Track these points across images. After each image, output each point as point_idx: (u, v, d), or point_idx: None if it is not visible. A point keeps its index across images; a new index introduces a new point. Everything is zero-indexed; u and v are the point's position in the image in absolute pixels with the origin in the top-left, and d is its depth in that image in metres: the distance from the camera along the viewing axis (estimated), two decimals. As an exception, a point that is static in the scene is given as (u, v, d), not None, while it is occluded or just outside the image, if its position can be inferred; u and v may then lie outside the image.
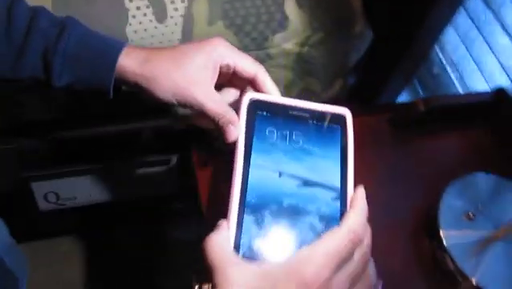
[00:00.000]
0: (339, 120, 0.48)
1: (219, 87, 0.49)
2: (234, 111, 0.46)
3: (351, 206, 0.39)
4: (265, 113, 0.47)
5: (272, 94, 0.48)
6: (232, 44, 0.65)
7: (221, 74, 0.47)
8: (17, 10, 0.45)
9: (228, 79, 0.49)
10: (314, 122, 0.48)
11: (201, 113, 0.45)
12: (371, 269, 0.40)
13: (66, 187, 0.76)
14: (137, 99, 0.71)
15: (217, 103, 0.45)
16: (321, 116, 0.48)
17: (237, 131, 0.45)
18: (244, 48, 0.68)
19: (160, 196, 0.89)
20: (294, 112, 0.47)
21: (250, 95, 0.46)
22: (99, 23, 0.60)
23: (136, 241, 1.17)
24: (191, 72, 0.44)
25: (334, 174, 0.45)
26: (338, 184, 0.45)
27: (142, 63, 0.44)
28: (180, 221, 1.08)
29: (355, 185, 0.44)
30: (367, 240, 0.39)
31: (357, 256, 0.37)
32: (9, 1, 0.45)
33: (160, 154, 0.76)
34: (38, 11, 0.45)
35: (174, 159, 0.77)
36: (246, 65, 0.46)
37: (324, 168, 0.45)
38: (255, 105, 0.46)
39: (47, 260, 1.13)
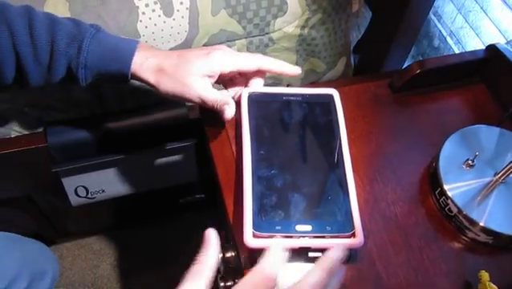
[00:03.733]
0: (328, 98, 0.55)
1: (224, 83, 0.59)
2: (228, 96, 0.55)
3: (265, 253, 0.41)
4: (262, 102, 0.55)
5: (284, 69, 0.56)
6: (236, 31, 0.71)
7: (224, 76, 0.55)
8: (37, 37, 0.52)
9: (231, 77, 0.57)
10: (307, 103, 0.55)
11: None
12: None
13: (94, 180, 0.81)
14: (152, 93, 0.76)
15: (212, 93, 0.54)
16: (311, 97, 0.56)
17: (231, 110, 0.53)
18: (248, 34, 0.73)
19: (182, 186, 0.94)
20: (288, 98, 0.55)
21: (248, 89, 0.55)
22: (112, 22, 0.65)
23: (164, 234, 1.22)
24: (188, 77, 0.53)
25: (330, 143, 0.52)
26: (335, 150, 0.51)
27: (153, 73, 0.54)
28: (204, 210, 1.12)
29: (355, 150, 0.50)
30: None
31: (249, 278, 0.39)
32: (27, 26, 0.52)
33: (179, 142, 0.81)
34: (54, 31, 0.52)
35: (192, 145, 0.81)
36: (247, 64, 0.55)
37: (320, 139, 0.52)
38: (253, 97, 0.55)
39: (82, 257, 1.19)
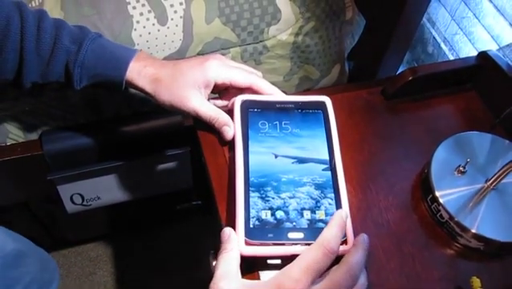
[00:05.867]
0: (321, 105, 0.56)
1: (219, 92, 0.59)
2: (227, 114, 0.55)
3: (327, 224, 0.43)
4: (255, 110, 0.55)
5: (272, 94, 0.57)
6: (230, 39, 0.72)
7: (218, 86, 0.56)
8: (44, 29, 0.54)
9: (226, 87, 0.58)
10: (299, 111, 0.55)
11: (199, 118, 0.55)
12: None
13: (89, 188, 0.81)
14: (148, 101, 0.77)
15: (208, 109, 0.54)
16: (304, 104, 0.56)
17: (232, 131, 0.54)
18: (242, 42, 0.73)
19: (178, 192, 0.94)
20: (281, 106, 0.56)
21: (241, 96, 0.55)
22: (107, 30, 0.66)
23: (161, 240, 1.22)
24: (185, 89, 0.54)
25: (322, 150, 0.52)
26: (326, 157, 0.52)
27: (150, 82, 0.55)
28: (200, 216, 1.12)
29: (347, 157, 0.51)
30: (357, 258, 0.42)
31: (338, 274, 0.41)
32: (36, 19, 0.54)
33: (174, 149, 0.81)
34: (60, 28, 0.55)
35: (187, 152, 0.82)
36: (240, 80, 0.56)
37: (313, 146, 0.53)
38: (246, 104, 0.55)
39: (78, 265, 1.19)
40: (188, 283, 1.13)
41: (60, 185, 0.79)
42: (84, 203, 0.84)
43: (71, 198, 0.82)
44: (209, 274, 0.60)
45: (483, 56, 0.61)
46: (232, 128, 0.54)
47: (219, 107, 0.58)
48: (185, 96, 0.53)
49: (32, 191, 0.84)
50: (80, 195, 0.82)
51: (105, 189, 0.83)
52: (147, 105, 0.77)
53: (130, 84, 0.56)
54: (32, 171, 0.78)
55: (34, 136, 0.77)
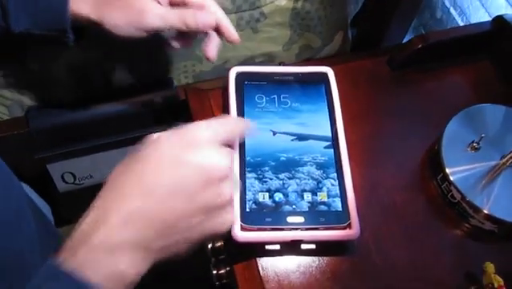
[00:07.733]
0: (322, 77, 0.52)
1: None
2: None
3: None
4: (251, 82, 0.52)
5: (223, 24, 0.48)
6: (225, 5, 0.66)
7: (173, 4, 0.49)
8: None
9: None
10: (299, 83, 0.52)
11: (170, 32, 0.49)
12: None
13: (81, 166, 0.78)
14: (139, 75, 0.73)
15: (174, 13, 0.47)
16: (304, 76, 0.52)
17: (211, 15, 0.47)
18: (237, 9, 0.68)
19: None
20: (279, 77, 0.52)
21: (236, 68, 0.52)
22: None
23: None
24: (141, 3, 0.46)
25: (324, 126, 0.49)
26: (329, 133, 0.48)
27: (94, 6, 0.47)
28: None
29: (350, 132, 0.47)
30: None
31: None
32: None
33: (168, 124, 0.77)
34: None
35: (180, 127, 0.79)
36: None
37: (314, 121, 0.49)
38: (241, 77, 0.51)
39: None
40: (192, 282, 1.11)
41: (50, 163, 0.76)
42: (76, 182, 0.81)
43: (62, 177, 0.80)
44: (209, 272, 0.58)
45: (499, 21, 0.57)
46: (210, 14, 0.47)
47: None
48: (143, 9, 0.46)
49: (20, 171, 0.81)
50: (71, 174, 0.80)
51: (97, 167, 0.80)
52: (137, 77, 0.74)
53: (73, 16, 0.47)
54: (19, 150, 0.74)
55: (19, 112, 0.73)
